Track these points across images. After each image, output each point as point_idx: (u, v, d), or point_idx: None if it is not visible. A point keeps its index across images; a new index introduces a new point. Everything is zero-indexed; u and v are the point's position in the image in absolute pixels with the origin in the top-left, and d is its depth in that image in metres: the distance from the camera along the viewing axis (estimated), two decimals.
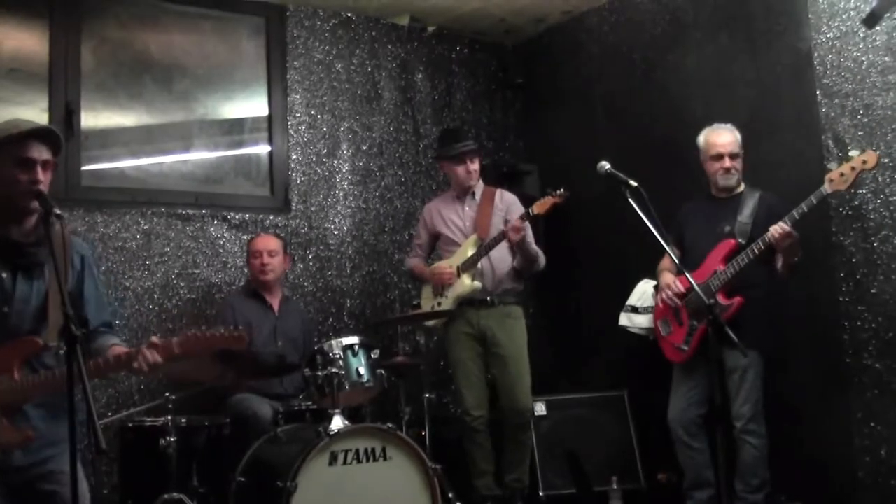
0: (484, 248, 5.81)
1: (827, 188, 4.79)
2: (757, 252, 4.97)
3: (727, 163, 5.29)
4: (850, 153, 4.83)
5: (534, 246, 5.88)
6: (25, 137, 3.45)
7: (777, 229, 4.84)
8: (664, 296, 5.40)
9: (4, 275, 3.46)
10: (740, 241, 5.14)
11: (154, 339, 3.62)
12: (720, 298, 5.04)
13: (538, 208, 5.59)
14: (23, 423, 3.46)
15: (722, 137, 5.33)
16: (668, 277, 5.45)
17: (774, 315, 5.25)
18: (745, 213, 5.20)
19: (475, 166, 6.07)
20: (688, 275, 4.44)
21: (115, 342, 3.73)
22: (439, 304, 5.96)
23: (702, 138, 5.42)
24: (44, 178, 3.45)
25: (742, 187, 5.36)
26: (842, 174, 4.76)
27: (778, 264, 5.10)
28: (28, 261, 3.49)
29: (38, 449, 3.49)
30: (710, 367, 5.04)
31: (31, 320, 3.51)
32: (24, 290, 3.49)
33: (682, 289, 5.32)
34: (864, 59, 5.34)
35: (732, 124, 5.40)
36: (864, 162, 4.73)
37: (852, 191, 5.24)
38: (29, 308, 3.51)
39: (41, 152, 3.47)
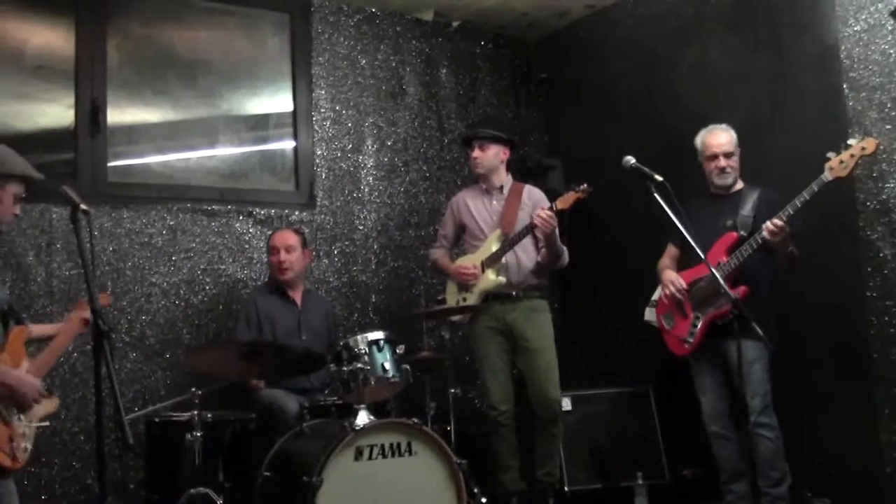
0: (509, 243, 5.81)
1: (828, 175, 4.86)
2: (760, 242, 5.03)
3: (722, 162, 5.38)
4: (849, 141, 4.90)
5: (560, 243, 5.88)
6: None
7: (768, 225, 4.93)
8: (669, 291, 5.43)
9: None
10: (742, 233, 5.19)
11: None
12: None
13: (561, 203, 5.59)
14: None
15: (717, 138, 5.42)
16: (670, 274, 5.50)
17: (784, 310, 5.25)
18: (748, 208, 5.27)
19: (478, 153, 6.06)
20: (712, 268, 4.47)
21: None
22: (464, 299, 5.96)
23: (699, 140, 5.51)
24: None
25: (741, 185, 5.43)
26: (841, 162, 4.84)
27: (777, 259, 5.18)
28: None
29: None
30: (721, 360, 5.25)
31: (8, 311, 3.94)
32: (2, 290, 3.93)
33: (685, 284, 5.36)
34: (891, 51, 5.31)
35: (755, 118, 5.40)
36: (864, 149, 4.82)
37: (880, 185, 5.23)
38: (7, 299, 3.94)
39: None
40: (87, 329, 4.28)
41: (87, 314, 4.22)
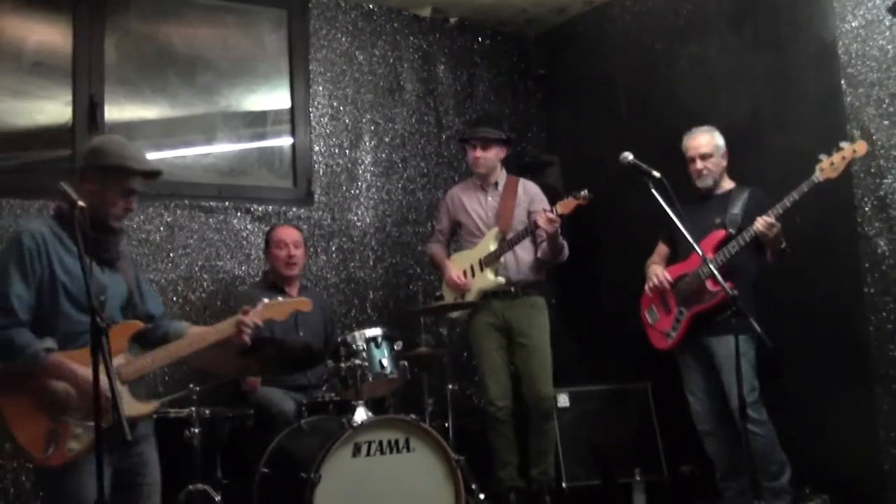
0: (507, 244, 5.82)
1: (818, 177, 4.90)
2: (748, 239, 5.06)
3: (699, 164, 5.44)
4: (841, 144, 4.93)
5: (561, 238, 5.89)
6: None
7: (761, 221, 4.96)
8: (653, 283, 5.48)
9: (97, 268, 3.75)
10: (730, 231, 5.21)
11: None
12: (709, 285, 5.10)
13: (562, 208, 5.58)
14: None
15: (695, 140, 5.48)
16: (657, 268, 5.58)
17: (764, 304, 5.26)
18: (737, 206, 5.31)
19: (479, 154, 6.06)
20: (709, 262, 4.47)
21: (186, 324, 4.18)
22: (462, 296, 5.97)
23: (683, 143, 5.54)
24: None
25: (731, 184, 5.47)
26: (832, 163, 4.90)
27: (767, 254, 5.19)
28: (110, 255, 3.85)
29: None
30: (706, 357, 5.31)
31: (118, 308, 3.87)
32: (111, 282, 3.82)
33: (670, 277, 5.41)
34: (889, 47, 5.31)
35: (754, 115, 5.42)
36: (855, 151, 4.88)
37: (877, 181, 5.23)
38: (116, 297, 3.85)
39: (139, 184, 3.86)
40: (244, 338, 4.12)
41: (250, 319, 4.12)
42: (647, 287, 5.56)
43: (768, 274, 5.31)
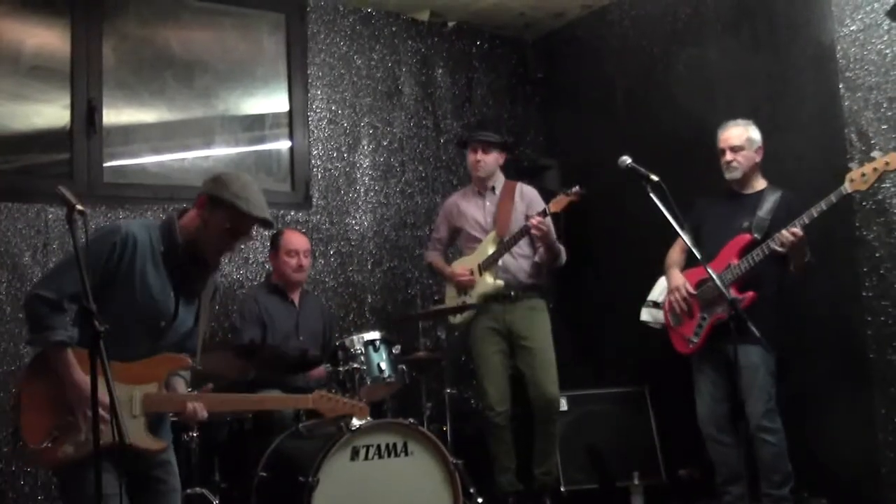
0: (504, 246, 5.82)
1: (847, 187, 4.80)
2: (772, 248, 4.98)
3: (728, 156, 5.33)
4: (873, 154, 4.85)
5: (557, 242, 5.88)
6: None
7: (786, 234, 4.88)
8: (674, 298, 5.41)
9: (173, 294, 3.72)
10: (756, 236, 5.14)
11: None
12: (732, 292, 5.03)
13: (554, 206, 5.61)
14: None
15: (726, 132, 5.38)
16: (677, 278, 5.46)
17: (785, 312, 5.24)
18: (765, 209, 5.20)
19: (480, 157, 6.04)
20: (711, 272, 4.42)
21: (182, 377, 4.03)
22: (464, 303, 5.96)
23: (717, 136, 5.44)
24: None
25: (763, 184, 5.36)
26: (863, 174, 4.77)
27: (790, 265, 5.11)
28: (194, 287, 3.83)
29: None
30: (725, 364, 5.18)
31: (178, 339, 3.82)
32: (183, 312, 3.79)
33: (691, 288, 5.34)
34: (888, 51, 5.31)
35: (753, 118, 5.38)
36: (887, 164, 4.73)
37: (875, 185, 5.20)
38: (182, 328, 3.82)
39: (245, 228, 3.85)
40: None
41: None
42: (669, 299, 5.51)
43: None
